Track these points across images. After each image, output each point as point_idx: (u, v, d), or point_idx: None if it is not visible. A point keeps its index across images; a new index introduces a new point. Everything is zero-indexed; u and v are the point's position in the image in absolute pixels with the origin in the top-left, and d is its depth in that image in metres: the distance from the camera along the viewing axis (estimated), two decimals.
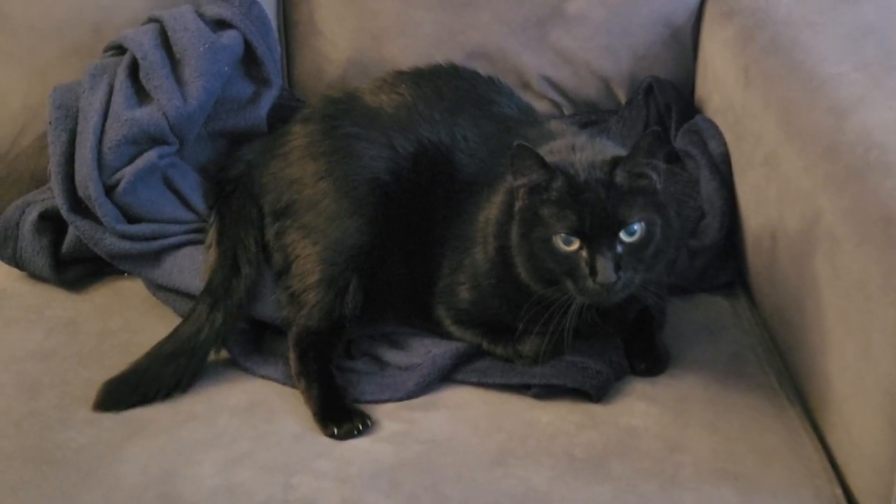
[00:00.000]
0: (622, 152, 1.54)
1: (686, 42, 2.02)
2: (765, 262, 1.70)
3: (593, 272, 1.49)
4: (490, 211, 1.62)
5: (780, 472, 1.46)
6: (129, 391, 1.58)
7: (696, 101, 2.01)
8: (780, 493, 1.43)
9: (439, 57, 1.83)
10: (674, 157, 1.91)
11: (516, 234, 1.55)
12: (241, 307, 1.66)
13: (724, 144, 1.84)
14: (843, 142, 1.52)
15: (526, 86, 2.00)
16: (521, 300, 1.57)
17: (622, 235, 1.50)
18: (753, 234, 1.74)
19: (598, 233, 1.49)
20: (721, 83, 1.91)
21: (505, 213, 1.58)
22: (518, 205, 1.55)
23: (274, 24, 1.95)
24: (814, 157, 1.56)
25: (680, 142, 1.90)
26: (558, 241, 1.51)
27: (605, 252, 1.49)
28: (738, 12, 1.92)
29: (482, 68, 1.84)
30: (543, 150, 1.55)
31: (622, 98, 2.03)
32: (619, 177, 1.51)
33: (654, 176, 1.52)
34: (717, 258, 1.79)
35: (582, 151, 1.55)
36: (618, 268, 1.49)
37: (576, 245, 1.50)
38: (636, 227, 1.50)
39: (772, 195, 1.67)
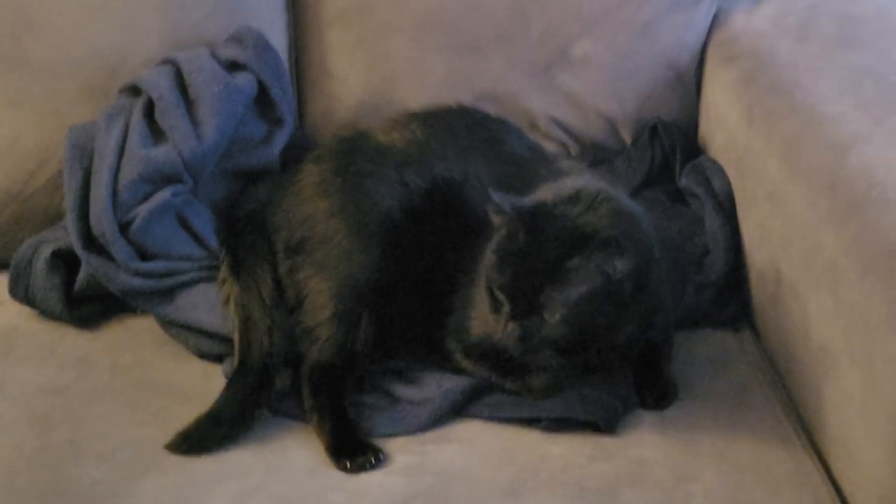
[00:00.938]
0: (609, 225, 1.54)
1: (689, 85, 2.06)
2: (769, 296, 1.72)
3: (505, 327, 1.54)
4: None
5: (789, 502, 1.48)
6: (207, 434, 1.59)
7: (699, 142, 2.05)
8: None
9: (449, 100, 1.86)
10: (678, 196, 1.96)
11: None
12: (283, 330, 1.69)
13: (728, 183, 1.87)
14: (845, 178, 1.55)
15: (534, 127, 2.03)
16: None
17: (542, 314, 1.53)
18: (758, 270, 1.77)
19: (521, 303, 1.52)
20: (724, 124, 1.94)
21: None
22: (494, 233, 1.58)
23: (286, 66, 1.98)
24: (816, 193, 1.59)
25: (684, 181, 1.94)
26: (494, 288, 1.55)
27: (516, 317, 1.53)
28: (739, 56, 1.96)
29: (491, 110, 1.87)
30: (544, 191, 1.59)
31: (628, 138, 2.06)
32: (570, 263, 1.51)
33: (612, 270, 1.52)
34: (722, 293, 1.82)
35: (568, 206, 1.55)
36: (524, 338, 1.53)
37: (503, 297, 1.54)
38: (552, 316, 1.52)
39: (775, 230, 1.70)
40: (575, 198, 1.56)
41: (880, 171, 1.52)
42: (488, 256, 1.57)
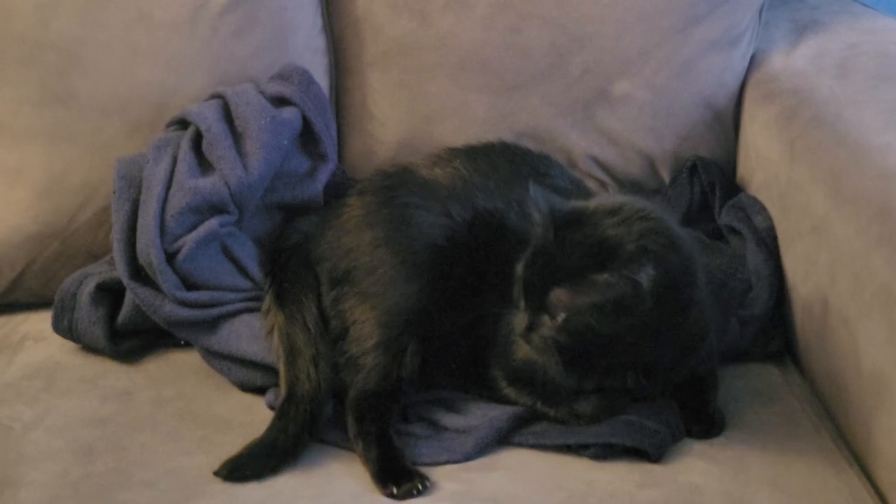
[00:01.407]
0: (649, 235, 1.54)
1: (727, 124, 2.08)
2: (816, 328, 1.72)
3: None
4: None
5: None
6: (258, 462, 1.58)
7: (738, 181, 2.06)
8: None
9: (489, 138, 1.88)
10: (717, 235, 1.96)
11: None
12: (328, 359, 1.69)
13: (769, 219, 1.88)
14: None
15: (573, 165, 2.04)
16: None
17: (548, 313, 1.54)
18: (803, 303, 1.77)
19: (530, 297, 1.54)
20: (764, 161, 1.95)
21: None
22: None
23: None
24: (865, 220, 1.60)
25: (725, 218, 1.94)
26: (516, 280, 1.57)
27: (528, 310, 1.55)
28: (779, 94, 1.98)
29: (531, 148, 1.89)
30: (593, 200, 1.61)
31: (666, 177, 2.07)
32: (589, 273, 1.52)
33: (626, 287, 1.51)
34: (766, 328, 1.81)
35: (605, 217, 1.56)
36: (529, 328, 1.55)
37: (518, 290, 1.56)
38: (554, 316, 1.53)
39: (822, 262, 1.70)
40: (616, 210, 1.56)
41: None
42: (524, 254, 1.58)
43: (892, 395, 1.49)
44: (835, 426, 1.68)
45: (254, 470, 1.56)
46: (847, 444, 1.63)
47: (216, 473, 1.55)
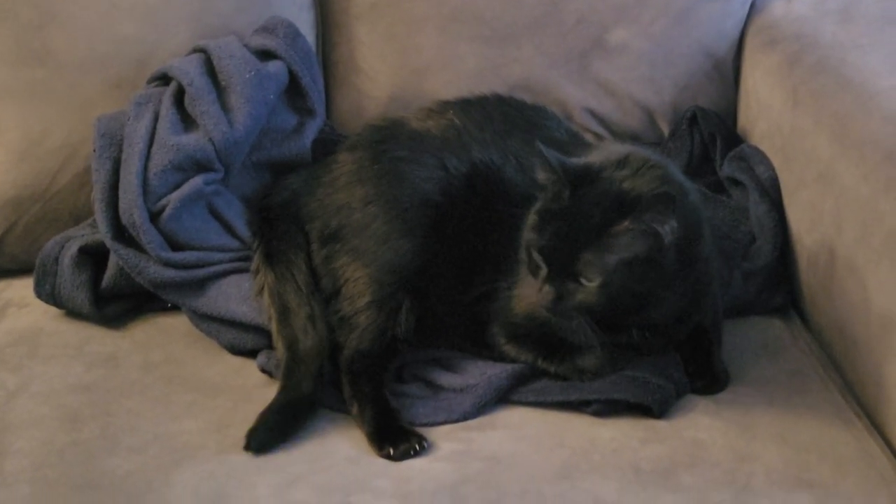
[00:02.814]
0: (661, 185, 1.50)
1: (727, 73, 2.04)
2: (821, 279, 1.68)
3: (540, 290, 1.50)
4: None
5: (855, 480, 1.43)
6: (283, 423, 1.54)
7: (739, 131, 2.01)
8: (856, 500, 1.40)
9: (482, 90, 1.83)
10: (719, 187, 1.92)
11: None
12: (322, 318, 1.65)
13: (772, 168, 1.84)
14: None
15: (568, 118, 1.99)
16: None
17: (579, 278, 1.49)
18: (808, 253, 1.73)
19: (553, 267, 1.49)
20: (766, 109, 1.91)
21: None
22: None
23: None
24: (873, 165, 1.56)
25: (727, 169, 1.90)
26: (529, 245, 1.52)
27: (553, 279, 1.49)
28: (781, 40, 1.93)
29: (528, 101, 1.83)
30: (593, 155, 1.56)
31: (665, 129, 2.03)
32: (616, 229, 1.48)
33: (662, 233, 1.47)
34: (770, 280, 1.78)
35: (616, 170, 1.52)
36: (559, 299, 1.49)
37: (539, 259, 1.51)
38: (590, 281, 1.48)
39: (827, 210, 1.66)
40: (623, 162, 1.52)
41: None
42: (530, 217, 1.53)
43: None
44: (842, 378, 1.64)
45: (280, 434, 1.52)
46: (855, 397, 1.60)
47: (246, 448, 1.50)
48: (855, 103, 1.67)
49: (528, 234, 1.52)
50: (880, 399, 1.52)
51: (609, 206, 1.48)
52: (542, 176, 1.53)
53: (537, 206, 1.53)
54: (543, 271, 1.51)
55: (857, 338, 1.57)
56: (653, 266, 1.49)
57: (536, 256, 1.51)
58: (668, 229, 1.47)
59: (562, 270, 1.49)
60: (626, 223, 1.47)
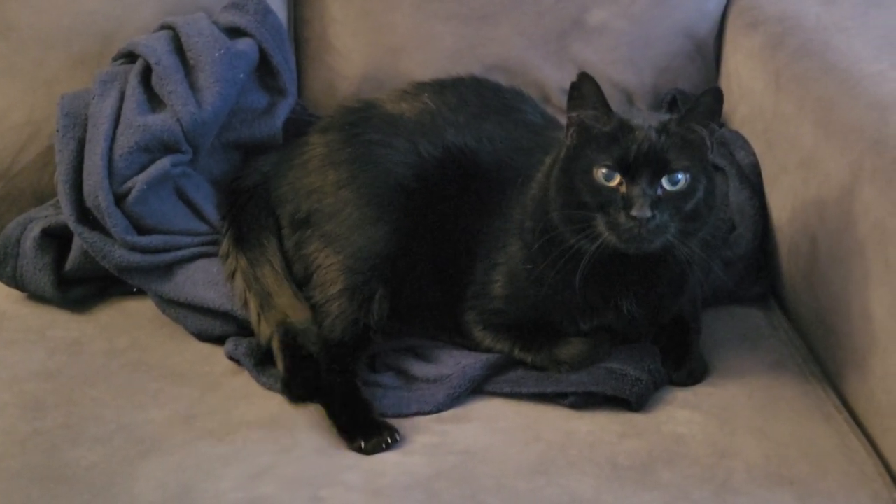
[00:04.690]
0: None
1: (708, 55, 2.01)
2: (803, 268, 1.65)
3: (628, 205, 1.45)
4: (525, 200, 1.58)
5: (836, 476, 1.40)
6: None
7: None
8: (837, 498, 1.37)
9: (458, 71, 1.79)
10: None
11: (557, 172, 1.52)
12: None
13: (753, 154, 1.81)
14: (890, 134, 1.49)
15: (546, 100, 1.96)
16: (560, 284, 1.53)
17: (665, 181, 1.46)
18: (789, 242, 1.70)
19: (640, 172, 1.46)
20: (748, 93, 1.88)
21: (543, 190, 1.54)
22: (566, 144, 1.52)
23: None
24: (858, 152, 1.52)
25: None
26: (599, 174, 1.47)
27: (644, 188, 1.45)
28: (763, 22, 1.90)
29: (502, 82, 1.78)
30: None
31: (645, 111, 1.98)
32: (673, 128, 1.47)
33: (707, 136, 1.48)
34: (750, 269, 1.76)
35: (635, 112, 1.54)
36: (654, 207, 1.45)
37: (616, 181, 1.47)
38: (680, 175, 1.46)
39: (810, 198, 1.63)
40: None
41: None
42: (571, 151, 1.50)
43: (884, 335, 1.43)
44: (822, 370, 1.62)
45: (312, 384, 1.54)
46: (835, 389, 1.58)
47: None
48: (840, 89, 1.64)
49: (586, 164, 1.48)
50: (861, 392, 1.50)
51: (660, 117, 1.49)
52: (583, 111, 1.49)
53: (574, 140, 1.50)
54: (624, 188, 1.46)
55: (838, 329, 1.55)
56: (708, 176, 1.49)
57: (606, 177, 1.47)
58: (710, 130, 1.48)
59: (645, 176, 1.45)
60: (686, 116, 1.47)
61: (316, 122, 1.78)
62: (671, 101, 1.97)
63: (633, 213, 1.44)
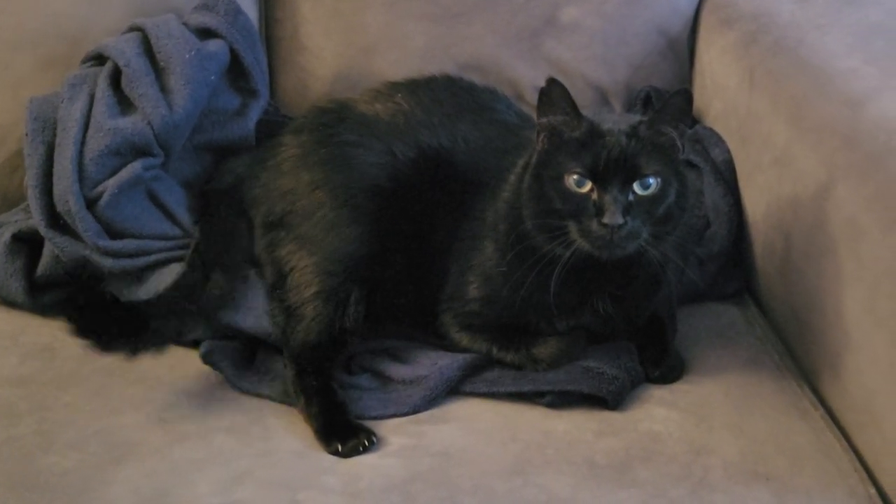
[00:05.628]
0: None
1: (682, 52, 2.00)
2: (777, 265, 1.65)
3: (600, 212, 1.44)
4: (499, 202, 1.57)
5: (812, 472, 1.41)
6: None
7: (694, 112, 1.94)
8: (814, 494, 1.37)
9: (431, 70, 1.79)
10: None
11: (529, 178, 1.51)
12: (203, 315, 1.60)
13: (728, 151, 1.81)
14: (862, 131, 1.49)
15: (520, 98, 1.95)
16: (535, 287, 1.52)
17: (636, 186, 1.46)
18: (764, 239, 1.70)
19: (611, 177, 1.45)
20: (722, 90, 1.88)
21: (517, 192, 1.54)
22: (537, 149, 1.51)
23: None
24: (831, 149, 1.52)
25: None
26: (570, 181, 1.47)
27: (615, 195, 1.44)
28: (737, 19, 1.90)
29: (476, 81, 1.77)
30: None
31: (619, 109, 1.99)
32: (643, 131, 1.47)
33: (678, 137, 1.48)
34: (725, 266, 1.76)
35: (605, 115, 1.53)
36: (625, 213, 1.44)
37: (587, 187, 1.46)
38: (651, 180, 1.46)
39: (784, 195, 1.63)
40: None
41: None
42: (542, 157, 1.49)
43: (858, 332, 1.43)
44: (798, 367, 1.62)
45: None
46: (811, 386, 1.58)
47: None
48: (813, 86, 1.64)
49: (555, 169, 1.47)
50: (836, 388, 1.50)
51: (631, 120, 1.49)
52: (553, 117, 1.49)
53: (544, 145, 1.50)
54: (595, 195, 1.45)
55: (813, 325, 1.55)
56: (679, 177, 1.49)
57: (577, 183, 1.46)
58: (680, 132, 1.48)
59: (616, 182, 1.44)
60: (656, 119, 1.47)
61: (289, 123, 1.77)
62: (645, 99, 1.96)
63: (605, 220, 1.43)
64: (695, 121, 1.95)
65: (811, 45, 1.73)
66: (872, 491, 1.39)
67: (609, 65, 1.98)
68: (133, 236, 1.67)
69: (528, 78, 1.96)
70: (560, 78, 1.91)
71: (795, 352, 1.63)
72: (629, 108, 1.98)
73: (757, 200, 1.73)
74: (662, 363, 1.58)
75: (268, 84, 1.88)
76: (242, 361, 1.60)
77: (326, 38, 1.96)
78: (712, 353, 1.63)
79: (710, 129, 1.86)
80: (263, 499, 1.36)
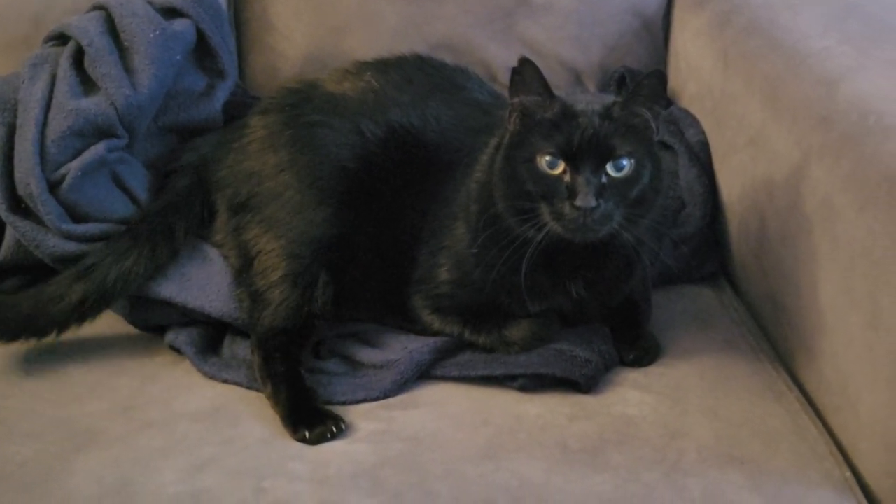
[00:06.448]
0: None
1: (657, 32, 1.98)
2: (753, 247, 1.63)
3: (573, 194, 1.41)
4: (470, 183, 1.55)
5: (787, 455, 1.38)
6: None
7: (669, 93, 1.95)
8: (789, 477, 1.35)
9: (402, 50, 1.75)
10: None
11: (501, 160, 1.48)
12: (114, 292, 1.56)
13: (702, 132, 1.79)
14: (837, 110, 1.47)
15: (493, 79, 1.92)
16: (507, 269, 1.49)
17: (609, 168, 1.43)
18: (739, 220, 1.68)
19: (584, 159, 1.42)
20: (696, 71, 1.86)
21: (489, 173, 1.51)
22: (509, 130, 1.48)
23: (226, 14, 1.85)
24: (805, 129, 1.50)
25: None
26: (542, 162, 1.44)
27: (588, 177, 1.42)
28: (711, 0, 1.88)
29: (448, 61, 1.75)
30: None
31: (593, 89, 1.97)
32: (617, 112, 1.44)
33: (652, 118, 1.45)
34: (700, 248, 1.74)
35: (579, 95, 1.50)
36: (599, 195, 1.41)
37: (560, 169, 1.43)
38: (625, 161, 1.43)
39: (759, 176, 1.61)
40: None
41: (874, 100, 1.44)
42: (514, 138, 1.46)
43: (833, 313, 1.42)
44: (773, 349, 1.60)
45: None
46: (786, 368, 1.56)
47: None
48: (787, 66, 1.62)
49: (526, 150, 1.45)
50: (811, 370, 1.49)
51: (605, 100, 1.46)
52: (525, 97, 1.46)
53: (516, 127, 1.47)
54: (568, 176, 1.42)
55: (788, 307, 1.53)
56: (653, 159, 1.46)
57: (549, 165, 1.43)
58: (654, 113, 1.45)
59: (589, 163, 1.42)
60: (629, 100, 1.44)
61: (256, 104, 1.73)
62: (619, 80, 1.94)
63: (578, 203, 1.41)
64: (670, 102, 1.93)
65: (785, 25, 1.71)
66: (848, 474, 1.37)
67: (583, 45, 1.96)
68: (97, 220, 1.63)
69: (501, 58, 1.94)
70: (534, 58, 1.90)
71: (771, 334, 1.61)
72: (603, 88, 1.96)
73: (732, 182, 1.71)
74: (637, 346, 1.56)
75: (235, 64, 1.84)
76: (209, 347, 1.58)
77: (296, 19, 1.93)
78: (687, 336, 1.60)
79: (685, 111, 1.85)
80: (228, 486, 1.33)
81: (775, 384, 1.52)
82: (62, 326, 1.55)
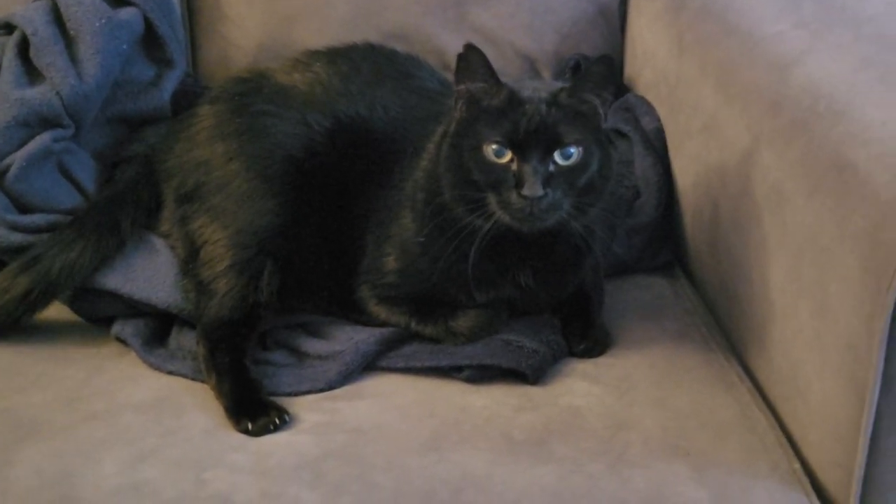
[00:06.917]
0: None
1: (612, 19, 1.96)
2: (706, 235, 1.62)
3: (520, 183, 1.39)
4: (417, 171, 1.53)
5: (734, 447, 1.36)
6: None
7: (625, 80, 1.94)
8: (735, 469, 1.33)
9: (354, 39, 1.73)
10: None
11: (447, 148, 1.46)
12: (60, 283, 1.53)
13: (658, 120, 1.77)
14: (788, 95, 1.45)
15: (446, 67, 1.87)
16: (454, 258, 1.48)
17: (557, 156, 1.41)
18: (693, 209, 1.66)
19: (531, 147, 1.40)
20: (652, 57, 1.84)
21: (435, 161, 1.49)
22: (455, 118, 1.46)
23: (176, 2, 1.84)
24: (757, 115, 1.48)
25: (611, 120, 1.80)
26: (489, 151, 1.42)
27: (535, 166, 1.40)
28: None
29: (399, 50, 1.73)
30: None
31: (548, 78, 1.94)
32: (564, 99, 1.42)
33: (600, 105, 1.43)
34: (654, 237, 1.72)
35: (526, 82, 1.48)
36: (546, 184, 1.39)
37: (507, 157, 1.41)
38: (572, 149, 1.41)
39: (712, 163, 1.59)
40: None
41: (826, 84, 1.41)
42: (460, 126, 1.44)
43: (784, 301, 1.40)
44: (726, 339, 1.58)
45: None
46: (738, 358, 1.54)
47: None
48: (740, 50, 1.60)
49: (472, 138, 1.43)
50: (761, 359, 1.47)
51: (553, 87, 1.44)
52: (471, 83, 1.44)
53: (461, 114, 1.45)
54: (515, 165, 1.40)
55: (740, 295, 1.51)
56: (602, 147, 1.44)
57: (496, 153, 1.41)
58: (603, 100, 1.43)
59: (537, 152, 1.40)
60: (577, 86, 1.42)
61: (206, 94, 1.71)
62: (574, 67, 1.92)
63: (525, 192, 1.38)
64: (626, 89, 1.91)
65: (739, 9, 1.68)
66: (797, 466, 1.35)
67: (536, 33, 1.94)
68: (44, 210, 1.62)
69: (453, 47, 1.87)
70: (487, 47, 1.88)
71: (724, 324, 1.59)
72: (558, 76, 1.93)
73: (686, 169, 1.69)
74: (587, 337, 1.53)
75: (185, 54, 1.83)
76: (155, 338, 1.56)
77: (249, 7, 1.92)
78: (639, 327, 1.59)
79: (641, 98, 1.83)
80: (168, 478, 1.31)
81: (726, 375, 1.50)
82: (9, 319, 1.53)
